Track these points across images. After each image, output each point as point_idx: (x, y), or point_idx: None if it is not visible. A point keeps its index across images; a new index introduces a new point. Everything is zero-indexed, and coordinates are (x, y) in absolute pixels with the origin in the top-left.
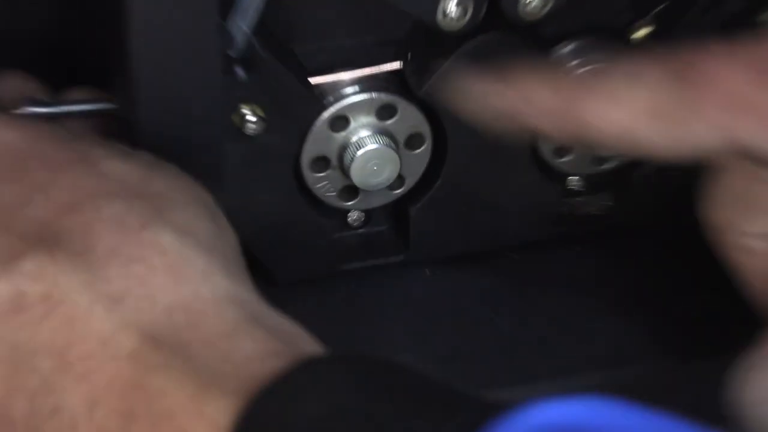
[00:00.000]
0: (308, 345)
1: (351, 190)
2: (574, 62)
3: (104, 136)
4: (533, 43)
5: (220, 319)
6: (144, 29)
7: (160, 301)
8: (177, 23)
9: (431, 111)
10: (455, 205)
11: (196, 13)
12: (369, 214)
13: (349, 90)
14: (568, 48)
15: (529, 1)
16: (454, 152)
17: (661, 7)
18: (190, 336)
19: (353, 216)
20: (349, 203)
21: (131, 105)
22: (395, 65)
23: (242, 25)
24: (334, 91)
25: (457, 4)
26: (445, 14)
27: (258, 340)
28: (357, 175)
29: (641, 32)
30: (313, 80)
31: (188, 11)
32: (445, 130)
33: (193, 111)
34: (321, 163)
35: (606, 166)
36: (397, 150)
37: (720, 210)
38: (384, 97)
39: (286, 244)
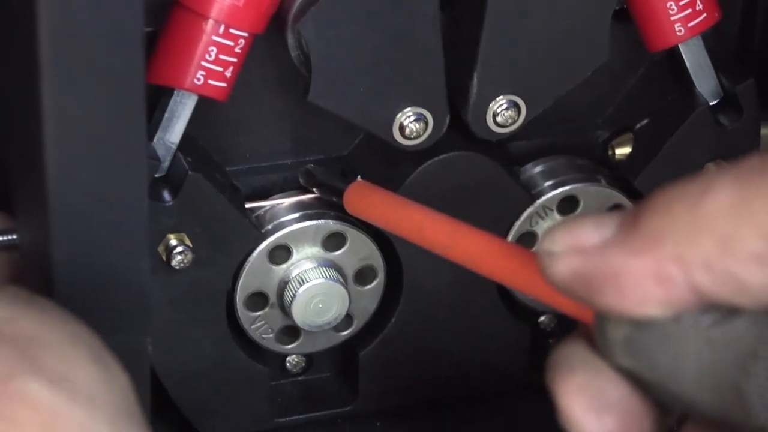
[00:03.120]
0: None
1: (291, 331)
2: (547, 184)
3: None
4: (501, 162)
5: None
6: (63, 145)
7: None
8: (101, 140)
9: (385, 241)
10: (411, 349)
11: (121, 128)
12: (311, 359)
13: (290, 217)
14: (538, 168)
15: (499, 112)
16: (410, 288)
17: (642, 124)
18: None
19: (293, 361)
20: (289, 346)
21: (44, 236)
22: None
23: (167, 140)
24: (273, 218)
25: (416, 119)
26: (402, 129)
27: None
28: (299, 313)
29: (621, 151)
30: (250, 205)
31: (113, 126)
32: (401, 262)
33: (118, 242)
34: (258, 300)
35: None
36: (345, 285)
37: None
38: (332, 225)
39: (213, 393)
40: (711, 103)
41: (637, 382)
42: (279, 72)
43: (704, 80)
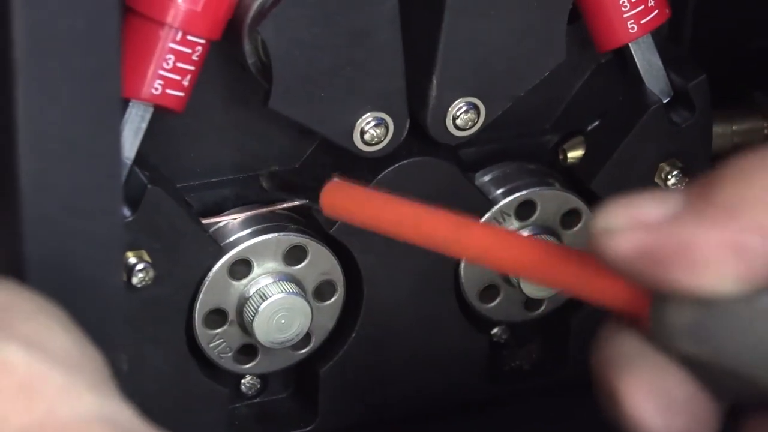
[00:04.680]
0: None
1: (249, 350)
2: (500, 191)
3: None
4: (459, 168)
5: None
6: (37, 154)
7: (12, 425)
8: (75, 148)
9: (345, 253)
10: (372, 365)
11: (96, 136)
12: (265, 381)
13: (248, 230)
14: (489, 176)
15: (458, 115)
16: (370, 301)
17: (593, 126)
18: None
19: (248, 383)
20: (246, 366)
21: (16, 251)
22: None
23: (124, 155)
24: (229, 234)
25: (376, 124)
26: (362, 135)
27: None
28: (261, 330)
29: (573, 154)
30: (205, 221)
31: (88, 134)
32: (361, 275)
33: (91, 255)
34: (216, 317)
35: (538, 312)
36: (306, 299)
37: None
38: (293, 238)
39: (171, 416)
40: (663, 101)
41: (701, 370)
42: (226, 83)
43: (655, 79)
